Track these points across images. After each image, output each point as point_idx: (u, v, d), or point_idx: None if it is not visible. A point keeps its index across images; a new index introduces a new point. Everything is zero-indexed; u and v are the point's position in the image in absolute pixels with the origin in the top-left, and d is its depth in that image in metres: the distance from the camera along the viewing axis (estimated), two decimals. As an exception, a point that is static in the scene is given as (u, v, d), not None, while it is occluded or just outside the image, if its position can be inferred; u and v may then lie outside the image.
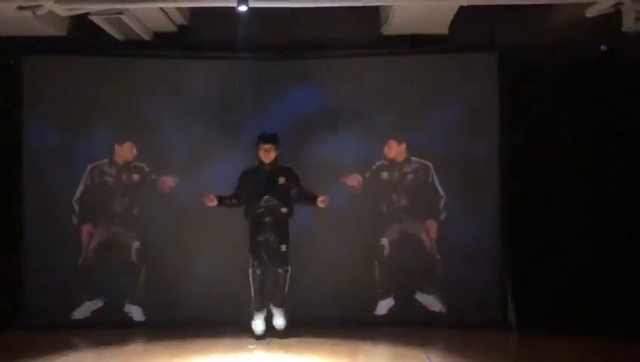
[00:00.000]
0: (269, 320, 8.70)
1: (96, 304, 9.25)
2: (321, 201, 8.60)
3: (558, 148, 9.10)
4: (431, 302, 9.29)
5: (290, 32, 9.25)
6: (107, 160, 9.35)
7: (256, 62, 9.46)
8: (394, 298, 9.35)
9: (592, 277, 8.90)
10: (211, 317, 9.12)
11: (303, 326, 8.77)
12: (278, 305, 8.67)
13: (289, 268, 8.65)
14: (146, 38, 9.23)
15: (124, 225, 9.35)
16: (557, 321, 8.81)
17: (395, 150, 9.41)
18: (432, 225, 9.35)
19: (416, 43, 9.29)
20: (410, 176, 9.38)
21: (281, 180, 8.66)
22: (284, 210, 8.62)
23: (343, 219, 9.26)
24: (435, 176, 9.33)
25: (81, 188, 9.31)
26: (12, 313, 9.09)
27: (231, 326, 8.84)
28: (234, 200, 8.68)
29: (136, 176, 9.38)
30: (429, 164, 9.34)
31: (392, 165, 9.42)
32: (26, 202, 9.21)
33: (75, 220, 9.27)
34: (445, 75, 9.31)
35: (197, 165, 9.37)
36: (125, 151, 9.38)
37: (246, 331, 8.66)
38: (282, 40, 9.34)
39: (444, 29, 9.11)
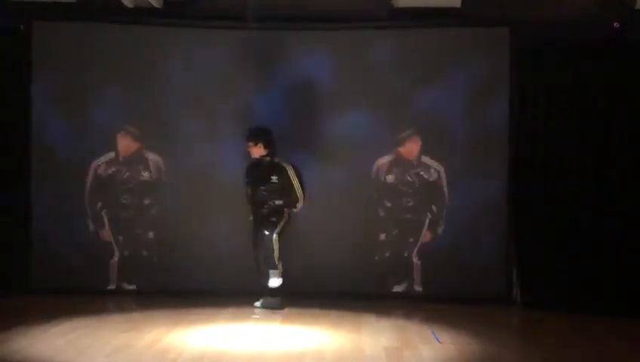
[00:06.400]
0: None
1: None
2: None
3: (567, 124, 9.04)
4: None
5: (301, 2, 9.18)
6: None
7: (266, 32, 9.40)
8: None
9: (603, 254, 8.82)
10: (216, 287, 9.20)
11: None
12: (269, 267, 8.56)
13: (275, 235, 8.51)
14: (157, 5, 9.20)
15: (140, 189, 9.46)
16: (561, 298, 8.80)
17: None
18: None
19: (428, 16, 9.23)
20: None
21: (274, 178, 8.56)
22: (278, 202, 8.54)
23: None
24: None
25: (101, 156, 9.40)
26: (22, 277, 9.16)
27: (236, 296, 8.85)
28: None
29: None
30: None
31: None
32: (34, 168, 9.26)
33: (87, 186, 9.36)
34: (456, 49, 9.27)
35: (205, 135, 9.39)
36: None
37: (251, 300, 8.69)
38: (292, 10, 9.29)
39: (456, 3, 9.04)
